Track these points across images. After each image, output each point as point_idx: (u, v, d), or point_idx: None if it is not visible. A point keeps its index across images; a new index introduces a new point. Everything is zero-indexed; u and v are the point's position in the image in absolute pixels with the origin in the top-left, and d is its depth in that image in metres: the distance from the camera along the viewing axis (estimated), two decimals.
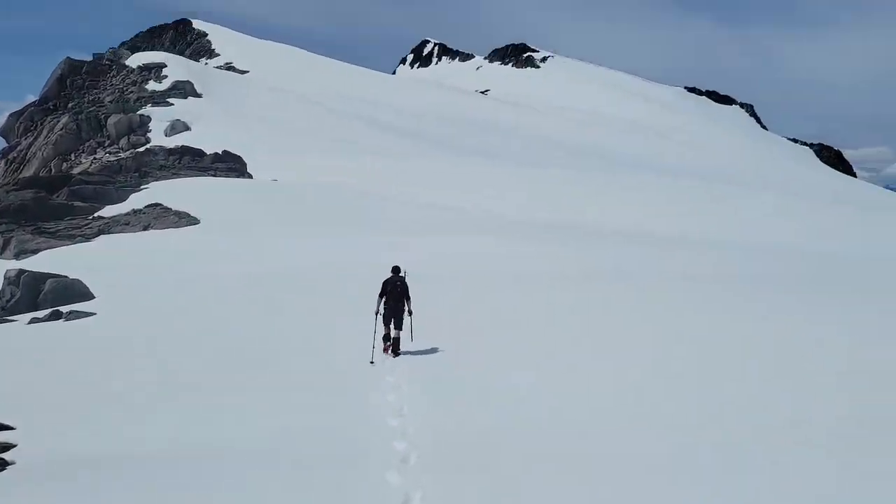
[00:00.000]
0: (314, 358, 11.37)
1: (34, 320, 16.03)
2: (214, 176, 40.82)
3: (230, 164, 43.45)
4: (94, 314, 15.99)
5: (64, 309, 16.84)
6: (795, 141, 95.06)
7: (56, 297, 18.06)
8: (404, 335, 11.02)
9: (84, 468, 6.91)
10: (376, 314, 11.03)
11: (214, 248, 26.01)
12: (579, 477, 5.62)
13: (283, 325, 14.01)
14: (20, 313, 17.39)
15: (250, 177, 43.11)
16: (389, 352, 10.93)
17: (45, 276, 18.96)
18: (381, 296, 11.06)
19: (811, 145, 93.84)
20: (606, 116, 75.89)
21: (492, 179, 41.34)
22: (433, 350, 11.20)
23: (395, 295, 11.08)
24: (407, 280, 11.31)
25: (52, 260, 24.61)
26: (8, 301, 18.26)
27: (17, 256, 27.45)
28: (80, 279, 18.92)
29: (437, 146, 55.24)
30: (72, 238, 29.34)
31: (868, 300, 14.63)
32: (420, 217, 31.95)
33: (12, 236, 28.77)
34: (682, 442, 6.33)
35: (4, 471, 7.13)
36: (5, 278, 18.99)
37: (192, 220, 30.92)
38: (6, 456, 7.62)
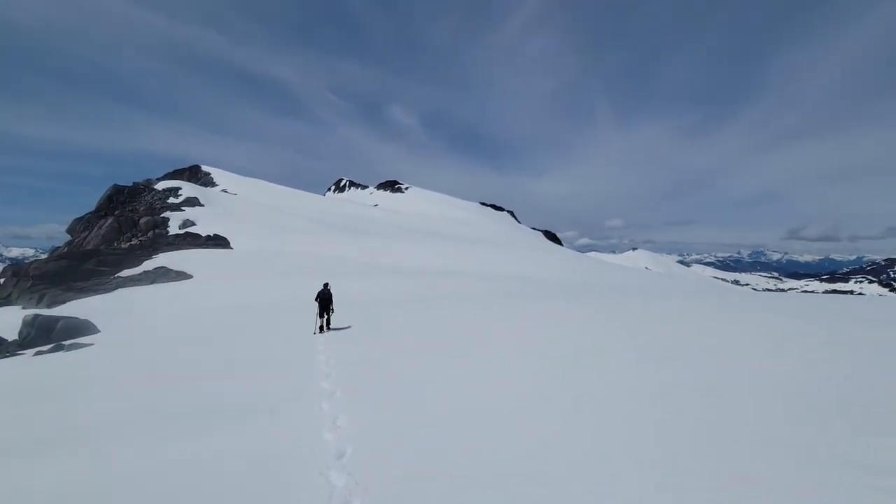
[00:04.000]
0: (270, 342, 14.50)
1: (39, 352, 16.29)
2: (205, 248, 47.20)
3: (217, 242, 50.04)
4: (92, 345, 16.71)
5: (66, 342, 17.59)
6: (535, 229, 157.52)
7: (66, 333, 18.96)
8: (331, 319, 15.78)
9: None
10: (316, 310, 16.10)
11: (199, 291, 29.76)
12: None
13: (245, 338, 15.83)
14: (34, 347, 18.06)
15: (231, 248, 49.55)
16: (322, 329, 15.23)
17: (57, 319, 19.88)
18: (316, 299, 15.79)
19: (542, 231, 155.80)
20: (440, 217, 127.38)
21: (375, 246, 57.86)
22: (347, 327, 15.70)
23: (325, 299, 15.63)
24: (331, 290, 16.15)
25: (79, 308, 26.79)
26: (24, 338, 19.30)
27: (49, 306, 29.64)
28: (90, 319, 20.37)
29: (343, 231, 73.36)
30: (95, 292, 31.28)
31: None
32: (323, 267, 40.62)
33: (46, 292, 31.49)
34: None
35: None
36: (23, 322, 19.99)
37: (187, 276, 34.16)
38: None
